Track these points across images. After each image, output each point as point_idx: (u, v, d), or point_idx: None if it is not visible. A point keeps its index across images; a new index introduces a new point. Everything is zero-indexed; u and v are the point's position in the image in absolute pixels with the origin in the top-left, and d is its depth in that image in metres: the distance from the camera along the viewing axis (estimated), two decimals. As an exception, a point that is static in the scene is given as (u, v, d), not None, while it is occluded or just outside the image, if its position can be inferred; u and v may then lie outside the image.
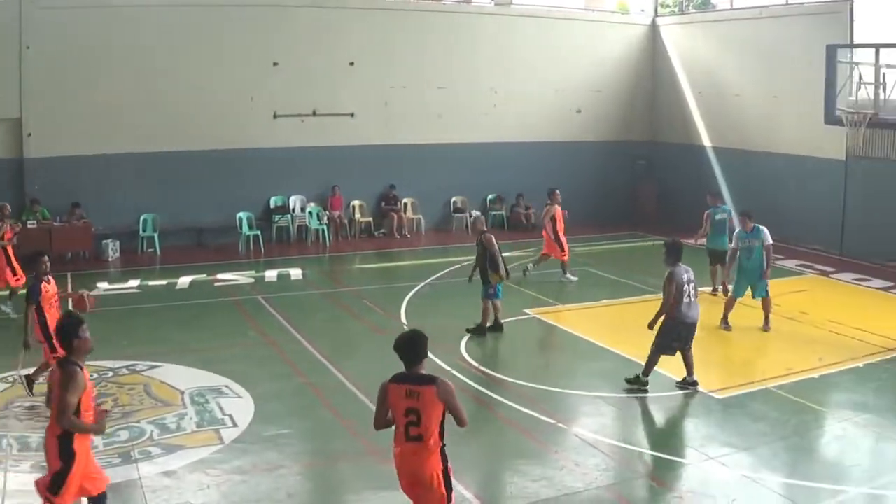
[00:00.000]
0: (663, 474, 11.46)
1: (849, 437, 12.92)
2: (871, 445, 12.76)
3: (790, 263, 24.70)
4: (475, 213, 17.13)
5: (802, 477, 11.12)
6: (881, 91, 20.36)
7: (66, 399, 8.20)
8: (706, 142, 31.73)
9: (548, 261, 22.89)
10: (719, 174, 30.88)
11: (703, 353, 17.08)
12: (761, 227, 17.97)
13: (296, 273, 23.38)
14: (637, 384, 14.41)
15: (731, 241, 19.41)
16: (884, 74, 20.29)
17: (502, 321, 17.59)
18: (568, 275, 22.76)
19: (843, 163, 26.08)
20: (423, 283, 22.14)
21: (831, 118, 21.52)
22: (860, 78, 20.82)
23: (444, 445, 8.19)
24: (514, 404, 13.77)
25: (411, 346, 8.20)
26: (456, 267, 23.97)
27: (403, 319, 18.59)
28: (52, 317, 12.88)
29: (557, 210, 22.62)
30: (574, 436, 12.62)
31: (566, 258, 22.74)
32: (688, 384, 14.44)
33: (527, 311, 19.10)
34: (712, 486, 11.20)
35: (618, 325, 18.77)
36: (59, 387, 8.27)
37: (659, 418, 13.69)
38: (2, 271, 18.90)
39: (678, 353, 14.47)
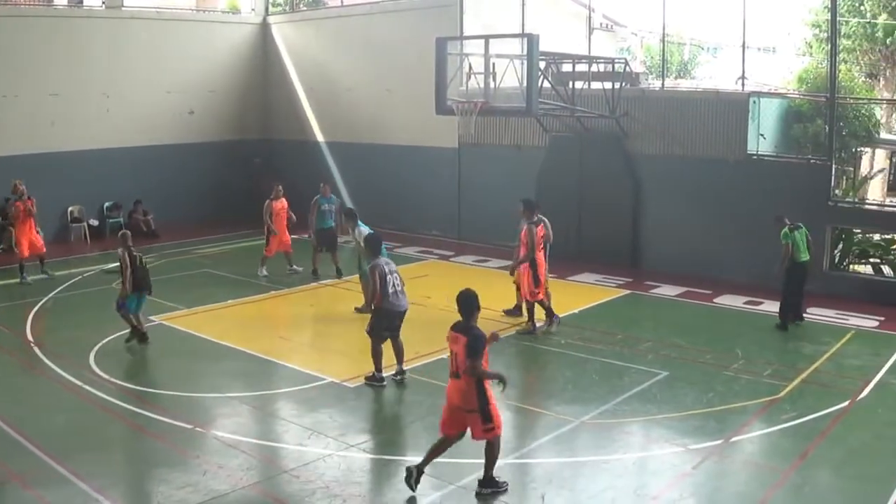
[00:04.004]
0: (308, 467, 11.25)
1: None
2: (509, 418, 12.90)
3: (410, 250, 25.33)
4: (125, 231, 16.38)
5: (447, 454, 11.00)
6: (491, 80, 21.12)
7: None
8: (320, 137, 32.11)
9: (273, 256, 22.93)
10: (335, 168, 31.38)
11: (329, 342, 17.59)
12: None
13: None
14: (376, 381, 14.38)
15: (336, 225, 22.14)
16: (494, 64, 21.01)
17: (143, 330, 16.74)
18: (294, 266, 23.13)
19: (457, 150, 27.31)
20: (46, 298, 20.82)
21: (442, 108, 22.06)
22: (470, 68, 21.50)
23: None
24: (149, 413, 13.14)
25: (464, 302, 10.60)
26: (78, 279, 22.89)
27: (29, 336, 17.40)
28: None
29: (274, 205, 22.66)
30: (213, 438, 12.28)
31: (270, 254, 22.82)
32: (398, 373, 14.73)
33: (153, 317, 18.30)
34: (357, 474, 11.33)
35: (244, 324, 18.81)
36: None
37: (295, 412, 13.47)
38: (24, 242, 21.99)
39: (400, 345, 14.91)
